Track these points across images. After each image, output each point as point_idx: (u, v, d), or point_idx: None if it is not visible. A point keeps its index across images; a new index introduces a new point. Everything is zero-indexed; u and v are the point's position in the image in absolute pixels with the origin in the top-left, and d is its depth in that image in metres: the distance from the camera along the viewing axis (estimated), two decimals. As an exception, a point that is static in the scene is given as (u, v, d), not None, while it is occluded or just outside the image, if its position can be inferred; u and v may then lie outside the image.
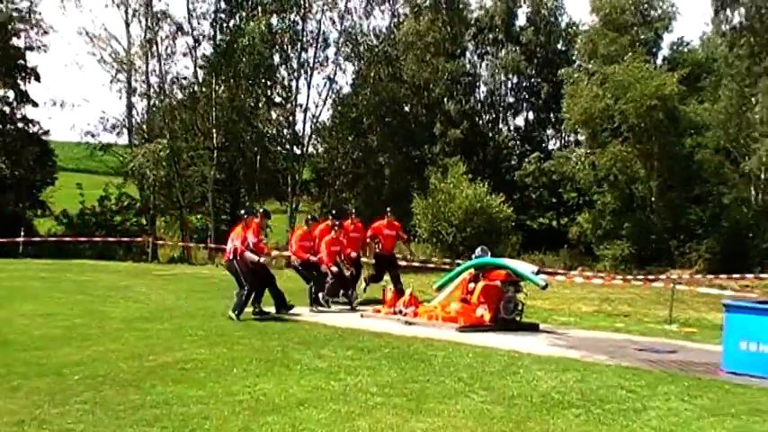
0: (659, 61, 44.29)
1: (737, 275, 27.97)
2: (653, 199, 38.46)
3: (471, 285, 14.74)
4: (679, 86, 36.78)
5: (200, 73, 41.37)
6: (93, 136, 40.88)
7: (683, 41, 49.23)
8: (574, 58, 44.15)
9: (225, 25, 41.00)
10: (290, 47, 42.51)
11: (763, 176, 36.43)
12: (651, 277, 27.75)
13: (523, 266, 14.87)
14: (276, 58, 42.47)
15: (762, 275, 29.15)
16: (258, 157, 42.53)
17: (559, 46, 49.97)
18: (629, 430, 7.03)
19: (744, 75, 37.30)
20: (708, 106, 38.24)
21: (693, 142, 39.36)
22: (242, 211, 17.07)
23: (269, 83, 42.54)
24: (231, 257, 14.35)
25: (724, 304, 11.18)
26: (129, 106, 40.79)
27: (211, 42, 41.03)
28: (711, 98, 39.27)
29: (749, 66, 37.05)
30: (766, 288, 27.53)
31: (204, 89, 40.77)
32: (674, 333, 15.18)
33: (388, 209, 19.55)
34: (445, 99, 47.18)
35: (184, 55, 41.08)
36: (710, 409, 8.00)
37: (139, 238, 37.44)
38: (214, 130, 39.82)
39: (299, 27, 41.91)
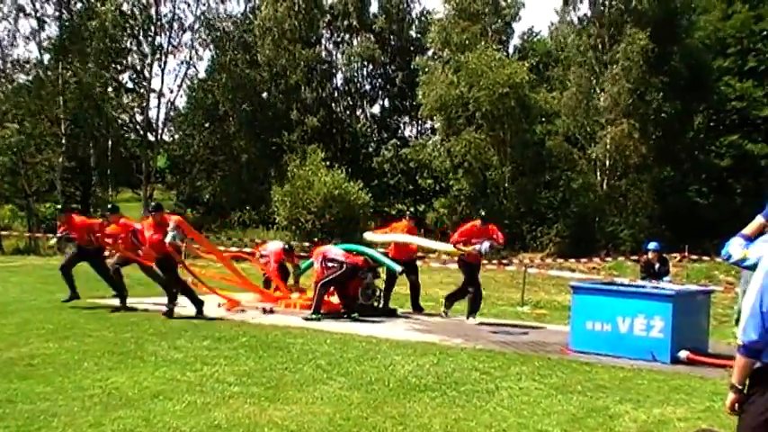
0: (510, 50, 45.51)
1: (585, 258, 29.15)
2: (506, 185, 39.50)
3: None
4: (529, 75, 37.85)
5: (46, 57, 39.65)
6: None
7: (532, 31, 50.85)
8: (428, 46, 44.75)
9: (71, 7, 39.30)
10: (142, 30, 41.38)
11: (608, 163, 38.00)
12: (505, 261, 28.54)
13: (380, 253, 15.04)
14: (128, 43, 41.29)
15: (608, 258, 30.48)
16: (110, 144, 41.26)
17: (413, 34, 50.43)
18: (483, 411, 7.20)
19: (591, 64, 38.80)
20: (557, 95, 39.57)
21: (544, 129, 40.69)
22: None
23: (120, 67, 41.31)
24: None
25: (571, 286, 11.64)
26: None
27: (58, 24, 39.28)
28: (560, 87, 40.67)
29: (596, 55, 38.58)
30: (611, 270, 28.77)
31: (50, 73, 39.07)
32: (526, 315, 15.70)
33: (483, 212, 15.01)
34: (302, 86, 46.98)
35: (28, 38, 39.24)
36: (559, 387, 8.31)
37: (-19, 229, 35.66)
38: (62, 117, 38.27)
39: (153, 10, 40.85)
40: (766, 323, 3.91)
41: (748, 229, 4.42)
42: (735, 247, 4.39)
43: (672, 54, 37.40)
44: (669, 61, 37.27)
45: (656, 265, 15.43)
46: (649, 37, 35.38)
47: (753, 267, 4.13)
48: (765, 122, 38.96)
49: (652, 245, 15.97)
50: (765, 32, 39.46)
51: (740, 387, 4.07)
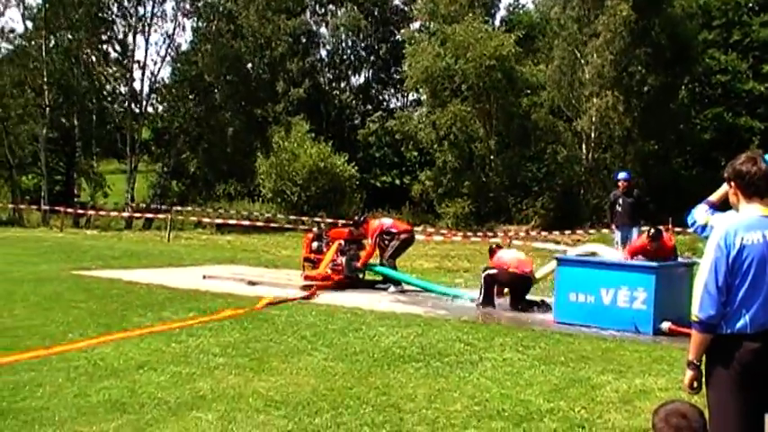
0: (497, 23, 45.37)
1: (569, 231, 29.26)
2: (491, 157, 39.50)
3: (315, 245, 14.77)
4: (516, 47, 37.75)
5: (30, 26, 39.32)
6: None
7: (518, 4, 50.71)
8: (414, 17, 44.56)
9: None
10: (126, 0, 41.13)
11: (593, 135, 38.04)
12: (490, 234, 28.63)
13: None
14: (115, 7, 41.06)
15: (591, 230, 30.61)
16: (95, 115, 41.03)
17: (398, 3, 50.08)
18: (466, 381, 7.25)
19: (574, 36, 38.71)
20: (542, 67, 39.52)
21: (529, 102, 40.66)
22: None
23: (104, 37, 40.99)
24: None
25: (555, 258, 11.69)
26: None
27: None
28: (545, 59, 40.60)
29: (580, 28, 38.47)
30: (595, 242, 28.89)
31: (34, 42, 38.74)
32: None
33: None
34: (287, 57, 46.71)
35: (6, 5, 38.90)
36: (542, 358, 8.36)
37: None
38: (46, 87, 37.98)
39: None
40: (722, 297, 3.88)
41: (714, 196, 4.37)
42: (700, 212, 4.35)
43: (654, 25, 37.28)
44: (652, 33, 37.19)
45: (621, 200, 14.66)
46: (631, 8, 35.25)
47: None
48: (749, 96, 39.10)
49: (621, 174, 15.41)
50: (750, 5, 39.48)
51: (698, 363, 4.00)
